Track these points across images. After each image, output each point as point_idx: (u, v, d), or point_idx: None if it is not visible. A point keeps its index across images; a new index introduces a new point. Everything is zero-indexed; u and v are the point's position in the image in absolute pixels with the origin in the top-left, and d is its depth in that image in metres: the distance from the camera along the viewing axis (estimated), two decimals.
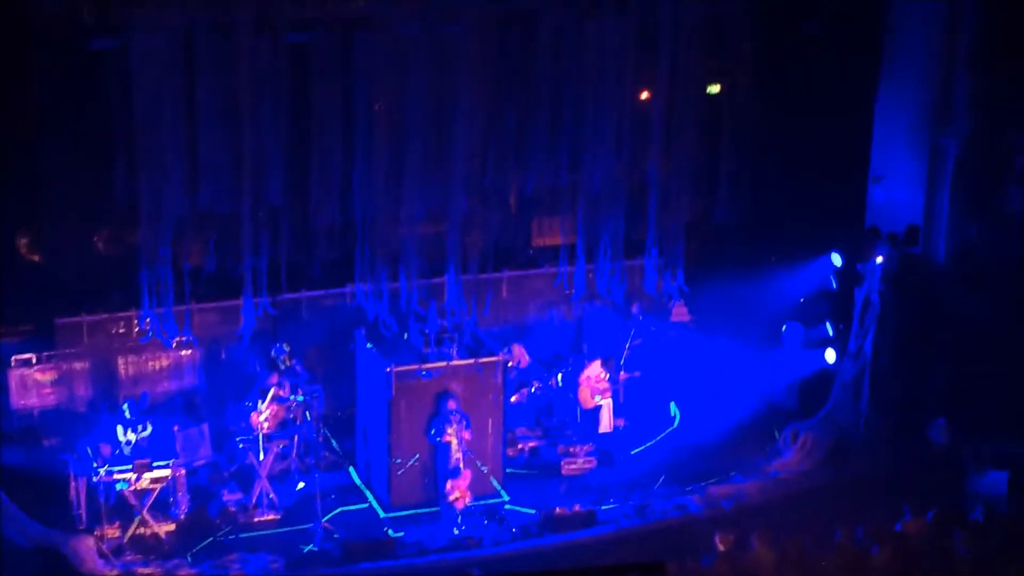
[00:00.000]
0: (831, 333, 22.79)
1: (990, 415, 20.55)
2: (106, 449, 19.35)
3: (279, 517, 19.85)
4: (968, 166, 21.68)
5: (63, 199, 20.28)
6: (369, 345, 20.67)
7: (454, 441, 19.65)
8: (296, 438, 20.70)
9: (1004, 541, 16.95)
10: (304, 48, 19.95)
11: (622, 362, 22.44)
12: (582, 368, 21.92)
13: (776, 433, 22.07)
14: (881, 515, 17.97)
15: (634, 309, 22.87)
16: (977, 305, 21.26)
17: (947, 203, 21.91)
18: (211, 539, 19.28)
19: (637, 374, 22.56)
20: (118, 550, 18.80)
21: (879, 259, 21.54)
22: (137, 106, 19.23)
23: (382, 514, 20.11)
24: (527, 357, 22.27)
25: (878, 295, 21.51)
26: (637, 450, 22.05)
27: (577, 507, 19.91)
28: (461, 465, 19.59)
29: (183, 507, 19.66)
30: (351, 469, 21.24)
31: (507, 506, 20.26)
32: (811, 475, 21.12)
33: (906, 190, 22.20)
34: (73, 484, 19.26)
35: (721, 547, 17.26)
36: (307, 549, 19.04)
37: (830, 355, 22.66)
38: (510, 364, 21.52)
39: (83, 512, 19.22)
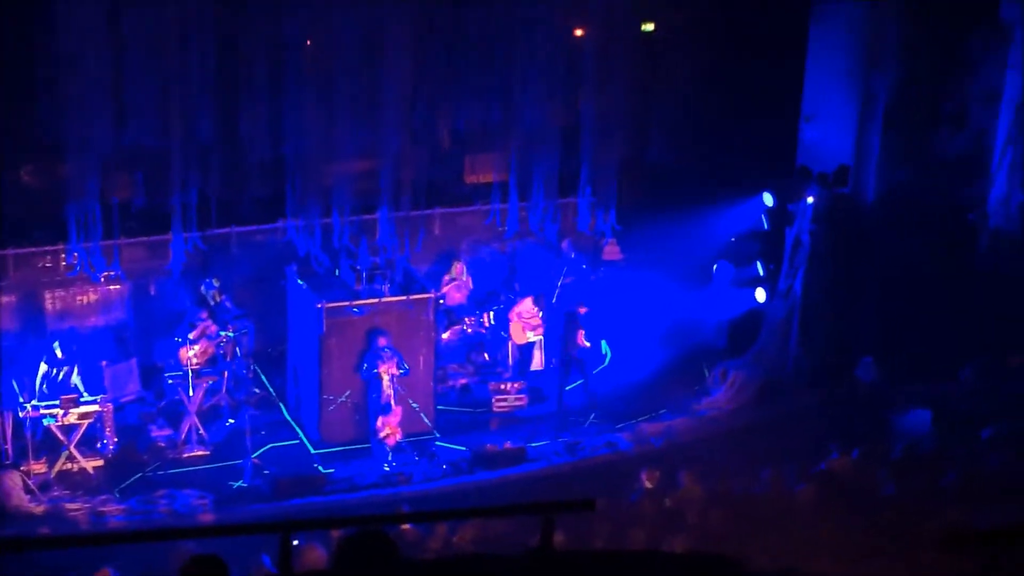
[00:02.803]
0: (761, 272, 22.92)
1: (916, 354, 20.79)
2: (32, 384, 19.16)
3: (208, 453, 19.78)
4: (898, 108, 21.80)
5: None
6: (300, 281, 20.57)
7: (385, 378, 19.63)
8: (226, 374, 20.61)
9: (927, 479, 17.21)
10: None
11: (554, 300, 22.50)
12: (513, 305, 21.95)
13: (706, 372, 22.23)
14: (808, 453, 18.20)
15: (564, 246, 22.90)
16: (904, 245, 21.46)
17: (877, 144, 22.04)
18: (139, 475, 19.19)
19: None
20: (45, 485, 18.67)
21: (810, 199, 21.66)
22: (61, 37, 18.92)
23: (312, 450, 20.09)
24: (467, 277, 22.31)
25: (808, 235, 21.65)
26: (568, 388, 22.14)
27: (508, 444, 19.99)
28: (392, 402, 19.59)
29: (111, 443, 19.52)
30: (281, 405, 21.19)
31: (438, 443, 20.30)
32: (740, 413, 21.31)
33: (837, 131, 22.30)
34: None
35: (648, 484, 17.42)
36: (236, 485, 19.00)
37: (760, 294, 22.80)
38: (452, 279, 21.65)
39: (9, 447, 19.01)
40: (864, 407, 20.76)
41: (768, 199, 22.62)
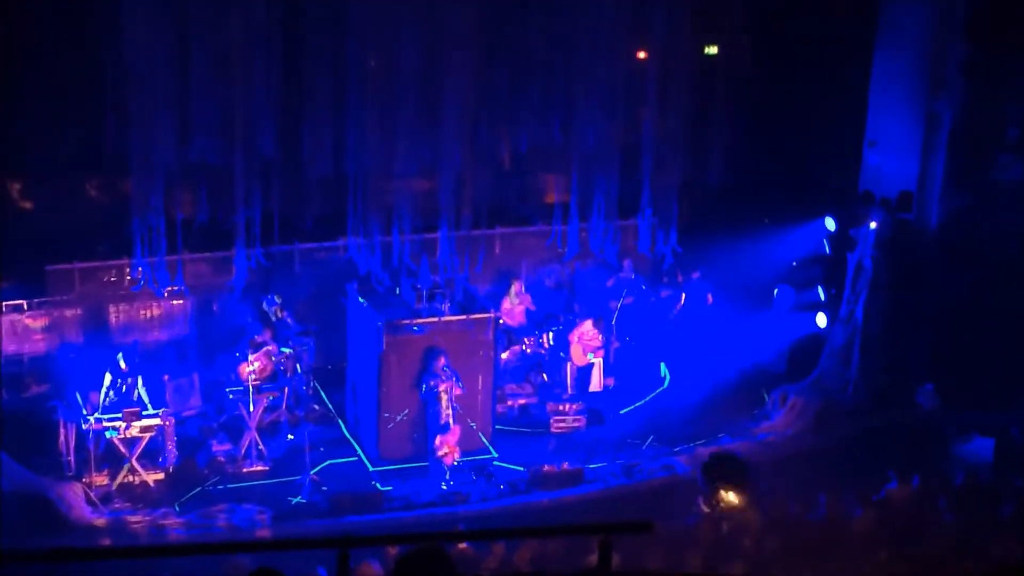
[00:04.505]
0: (823, 297, 22.81)
1: (978, 382, 20.60)
2: (95, 396, 19.35)
3: (267, 468, 19.88)
4: (961, 134, 21.65)
5: (55, 147, 20.23)
6: (361, 299, 20.67)
7: (444, 397, 19.67)
8: (286, 390, 20.73)
9: (988, 508, 17.03)
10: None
11: (613, 321, 22.49)
12: (573, 327, 21.95)
13: (765, 396, 22.12)
14: (867, 480, 18.05)
15: (625, 265, 22.88)
16: (967, 272, 21.29)
17: (941, 171, 21.88)
18: (199, 489, 19.30)
19: (616, 344, 22.60)
20: (106, 498, 18.83)
21: (872, 224, 21.53)
22: (129, 54, 19.16)
23: (370, 468, 20.15)
24: (527, 295, 22.34)
25: (871, 260, 21.52)
26: (626, 410, 22.10)
27: (565, 465, 19.96)
28: (450, 421, 19.62)
29: (172, 456, 19.67)
30: (340, 422, 21.27)
31: (495, 462, 20.31)
32: (798, 438, 21.18)
33: (900, 156, 22.16)
34: (62, 431, 19.27)
35: (705, 508, 17.33)
36: (295, 501, 19.07)
37: (821, 319, 22.68)
38: (511, 299, 21.70)
39: (71, 459, 19.23)
40: (925, 434, 20.59)
41: (830, 223, 22.51)
